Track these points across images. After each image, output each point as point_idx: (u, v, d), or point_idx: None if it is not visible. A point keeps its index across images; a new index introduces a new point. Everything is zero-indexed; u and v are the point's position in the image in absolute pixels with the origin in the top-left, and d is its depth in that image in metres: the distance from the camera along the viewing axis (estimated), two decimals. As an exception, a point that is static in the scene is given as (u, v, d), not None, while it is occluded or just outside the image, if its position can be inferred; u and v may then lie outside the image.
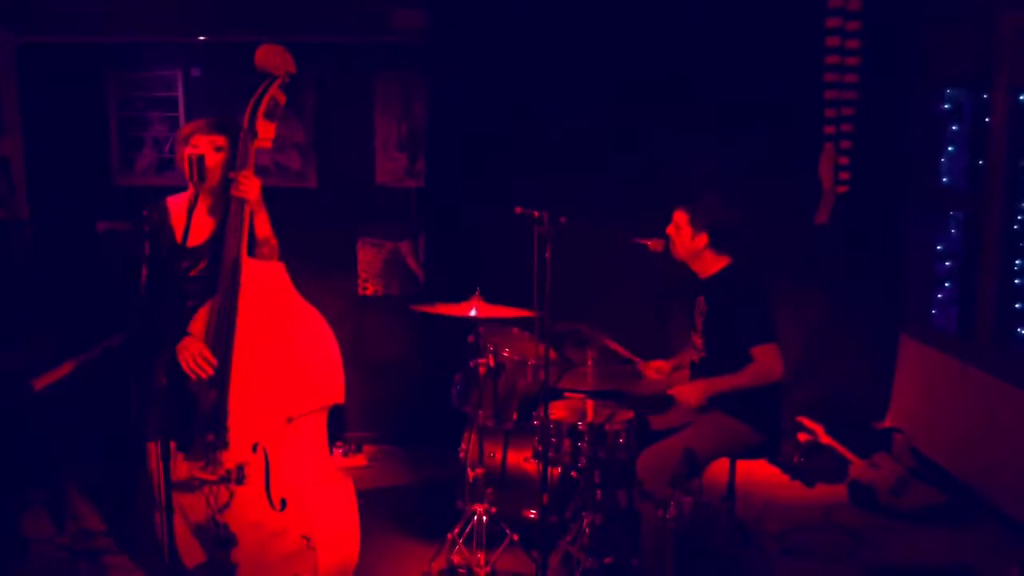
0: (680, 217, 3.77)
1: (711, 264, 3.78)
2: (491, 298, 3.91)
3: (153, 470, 3.16)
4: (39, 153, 5.34)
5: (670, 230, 3.81)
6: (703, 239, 3.73)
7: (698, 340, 3.85)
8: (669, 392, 3.73)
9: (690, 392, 3.66)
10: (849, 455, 4.91)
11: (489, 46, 5.25)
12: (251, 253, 3.19)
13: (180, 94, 5.37)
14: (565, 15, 5.16)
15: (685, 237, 3.76)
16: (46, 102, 5.31)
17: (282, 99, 3.18)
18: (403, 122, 5.44)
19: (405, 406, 5.53)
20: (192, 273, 3.26)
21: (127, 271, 5.26)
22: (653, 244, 3.85)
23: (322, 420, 3.28)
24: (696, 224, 3.72)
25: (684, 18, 5.16)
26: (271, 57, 3.16)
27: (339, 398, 3.25)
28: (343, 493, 3.32)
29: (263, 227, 3.20)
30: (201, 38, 5.28)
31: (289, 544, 3.08)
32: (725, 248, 3.76)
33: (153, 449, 3.14)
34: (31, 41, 5.28)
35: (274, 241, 3.23)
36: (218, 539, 3.02)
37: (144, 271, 3.23)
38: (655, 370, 4.04)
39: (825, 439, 5.09)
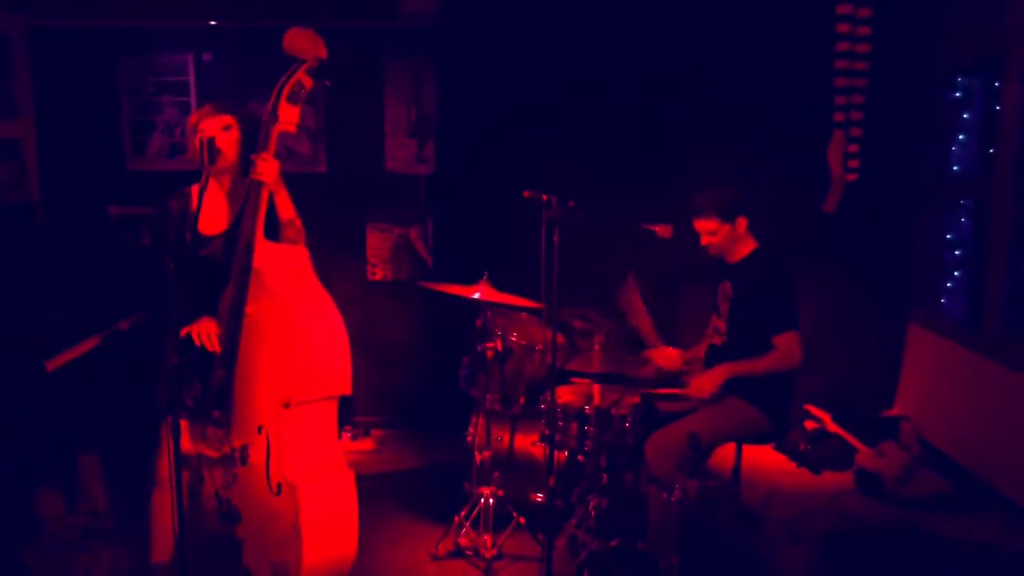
0: (708, 224, 3.74)
1: (742, 248, 3.79)
2: (500, 283, 3.93)
3: (162, 445, 3.19)
4: (51, 136, 5.37)
5: (706, 240, 3.77)
6: (743, 223, 3.73)
7: (721, 324, 3.84)
8: (686, 392, 3.73)
9: (706, 381, 3.66)
10: (856, 443, 4.92)
11: (499, 32, 5.26)
12: (277, 236, 3.17)
13: (191, 78, 5.39)
14: (575, 1, 5.16)
15: (726, 232, 3.73)
16: (58, 86, 5.33)
17: (308, 84, 3.12)
18: (413, 108, 5.44)
19: (413, 390, 5.56)
20: (217, 258, 3.25)
21: (139, 255, 5.32)
22: (662, 230, 3.84)
23: (329, 410, 3.22)
24: (728, 216, 3.70)
25: (693, 6, 5.15)
26: (299, 41, 3.10)
27: (345, 390, 3.20)
28: (342, 487, 3.23)
29: (286, 209, 3.18)
30: (212, 23, 5.29)
31: (282, 529, 3.05)
32: (752, 230, 3.76)
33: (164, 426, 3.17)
34: (42, 25, 5.30)
35: (299, 223, 3.21)
36: (223, 514, 3.05)
37: (167, 255, 3.22)
38: (664, 358, 4.02)
39: (832, 427, 5.10)
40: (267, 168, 3.07)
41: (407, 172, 5.49)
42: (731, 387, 3.66)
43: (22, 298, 4.64)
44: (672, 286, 5.30)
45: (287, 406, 3.04)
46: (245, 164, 3.20)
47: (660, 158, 5.23)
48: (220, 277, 3.16)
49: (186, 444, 3.11)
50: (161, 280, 3.24)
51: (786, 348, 3.60)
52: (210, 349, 3.11)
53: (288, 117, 3.11)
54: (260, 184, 3.08)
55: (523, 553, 3.87)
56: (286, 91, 3.10)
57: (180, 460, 2.74)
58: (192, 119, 3.29)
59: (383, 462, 5.09)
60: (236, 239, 3.10)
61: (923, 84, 5.23)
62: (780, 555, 3.96)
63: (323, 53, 3.13)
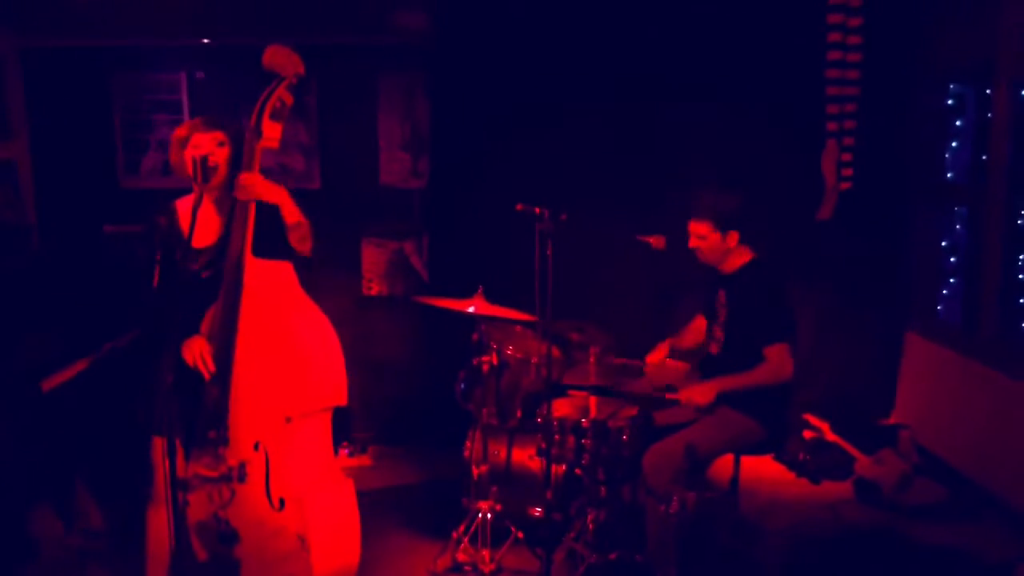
0: (700, 228, 3.72)
1: (736, 259, 3.78)
2: (495, 296, 3.92)
3: (157, 466, 3.18)
4: (45, 157, 5.36)
5: (694, 243, 3.76)
6: (735, 237, 3.71)
7: (719, 332, 3.84)
8: (677, 396, 3.71)
9: (699, 394, 3.66)
10: (854, 452, 4.91)
11: (491, 46, 5.26)
12: (285, 239, 3.17)
13: (184, 97, 5.39)
14: (566, 14, 5.17)
15: (715, 241, 3.71)
16: (51, 106, 5.32)
17: (289, 100, 3.15)
18: (407, 122, 5.45)
19: (410, 405, 5.55)
20: (204, 274, 3.26)
21: (136, 273, 5.31)
22: (656, 241, 3.82)
23: (326, 421, 3.27)
24: (721, 226, 3.69)
25: (686, 16, 5.16)
26: (278, 57, 3.14)
27: (341, 400, 3.24)
28: (343, 495, 3.30)
29: (291, 213, 3.15)
30: (205, 41, 5.30)
31: (287, 544, 3.08)
32: (748, 241, 3.75)
33: (159, 445, 3.15)
34: (35, 45, 5.30)
35: (306, 222, 3.19)
36: (221, 535, 3.04)
37: (156, 273, 3.22)
38: (654, 363, 4.01)
39: (831, 436, 5.10)
40: (251, 184, 3.08)
41: (402, 186, 5.50)
42: (726, 398, 3.65)
43: (18, 318, 4.63)
44: (669, 296, 5.30)
45: (289, 420, 3.08)
46: (233, 177, 3.20)
47: (653, 169, 5.23)
48: (211, 293, 3.15)
49: (180, 464, 3.10)
50: (155, 297, 3.24)
51: (777, 360, 3.59)
52: (203, 371, 3.09)
53: (271, 133, 3.13)
54: (246, 202, 3.09)
55: (522, 567, 3.86)
56: (268, 108, 3.12)
57: (175, 480, 2.73)
58: (182, 132, 3.26)
59: (380, 478, 5.07)
60: (225, 257, 3.10)
61: (915, 92, 5.24)
62: (779, 565, 3.95)
63: (302, 69, 3.17)
